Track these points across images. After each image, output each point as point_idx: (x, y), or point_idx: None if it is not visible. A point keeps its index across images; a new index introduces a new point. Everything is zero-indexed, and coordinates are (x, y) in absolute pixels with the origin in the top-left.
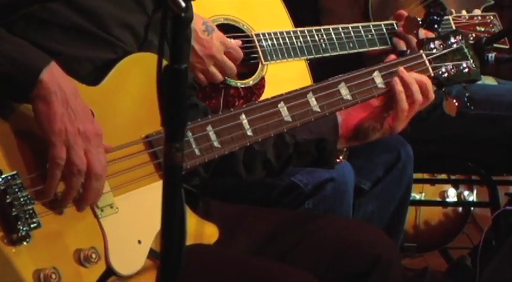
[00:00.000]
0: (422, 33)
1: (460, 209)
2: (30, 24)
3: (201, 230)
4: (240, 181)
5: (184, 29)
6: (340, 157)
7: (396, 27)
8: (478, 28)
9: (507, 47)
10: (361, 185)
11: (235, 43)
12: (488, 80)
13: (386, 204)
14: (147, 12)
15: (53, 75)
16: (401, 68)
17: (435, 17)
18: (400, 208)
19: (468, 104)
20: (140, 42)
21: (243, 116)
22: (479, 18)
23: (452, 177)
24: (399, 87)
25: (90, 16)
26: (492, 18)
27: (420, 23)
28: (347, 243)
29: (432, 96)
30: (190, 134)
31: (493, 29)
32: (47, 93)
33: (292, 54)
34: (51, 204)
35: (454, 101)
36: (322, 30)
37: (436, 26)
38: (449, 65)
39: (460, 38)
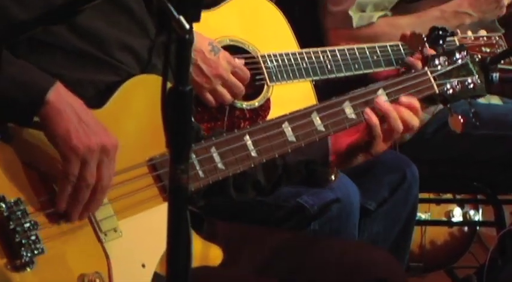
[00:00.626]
0: (427, 50)
1: (466, 228)
2: (32, 47)
3: (206, 253)
4: (231, 201)
5: (188, 50)
6: (332, 177)
7: (402, 49)
8: (483, 49)
9: None
10: (367, 206)
11: (239, 62)
12: (494, 100)
13: (392, 225)
14: (149, 36)
15: (59, 94)
16: (377, 99)
17: (440, 32)
18: (406, 228)
19: (473, 119)
20: (143, 65)
21: (247, 136)
22: (485, 39)
23: (458, 196)
24: (374, 119)
25: (92, 40)
26: (498, 38)
27: (425, 39)
28: (351, 266)
29: (416, 124)
30: (194, 156)
31: (498, 50)
32: (57, 112)
33: (297, 75)
34: (55, 218)
35: (460, 117)
36: (327, 51)
37: (441, 41)
38: (455, 81)
39: (465, 53)
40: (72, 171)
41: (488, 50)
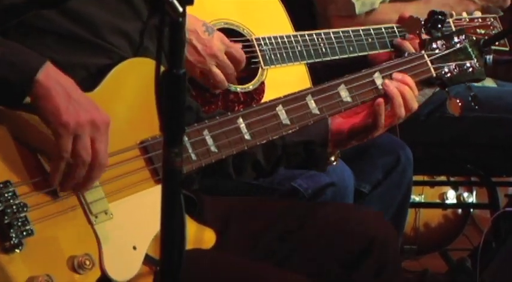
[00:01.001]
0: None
1: (460, 210)
2: (24, 32)
3: (199, 236)
4: (230, 180)
5: (181, 33)
6: (332, 158)
7: (396, 31)
8: (478, 30)
9: (507, 49)
10: (361, 188)
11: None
12: (487, 82)
13: (386, 207)
14: (142, 19)
15: (48, 74)
16: (386, 82)
17: (440, 17)
18: (400, 211)
19: (472, 103)
20: (135, 48)
21: (241, 119)
22: (480, 20)
23: (452, 179)
24: (381, 108)
25: (85, 24)
26: (492, 20)
27: (423, 22)
28: (342, 227)
29: (415, 106)
30: (187, 138)
31: (493, 31)
32: (46, 90)
33: (292, 58)
34: (45, 200)
35: (458, 100)
36: (322, 34)
37: (439, 25)
38: (452, 64)
39: (464, 37)
40: (64, 147)
41: (483, 32)
